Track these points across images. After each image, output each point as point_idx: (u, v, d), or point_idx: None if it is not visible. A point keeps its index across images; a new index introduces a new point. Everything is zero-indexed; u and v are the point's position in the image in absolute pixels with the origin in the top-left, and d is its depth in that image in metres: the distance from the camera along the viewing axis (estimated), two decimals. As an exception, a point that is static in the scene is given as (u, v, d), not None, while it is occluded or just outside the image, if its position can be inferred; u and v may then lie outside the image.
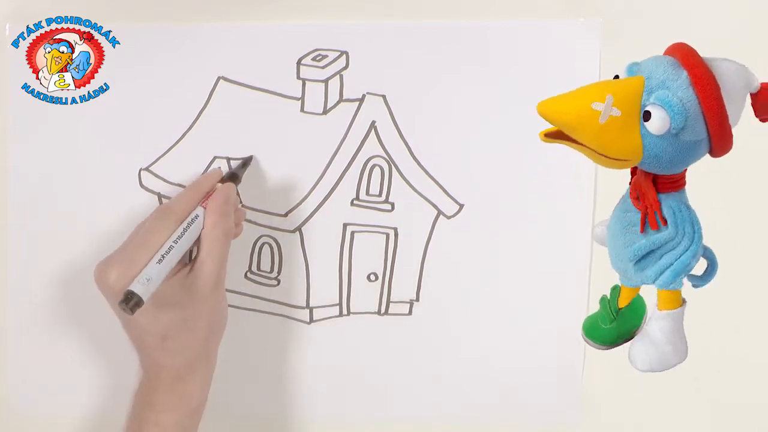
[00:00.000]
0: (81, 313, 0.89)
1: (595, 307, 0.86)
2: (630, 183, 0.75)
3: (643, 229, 0.73)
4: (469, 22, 0.85)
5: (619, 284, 0.82)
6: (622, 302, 0.82)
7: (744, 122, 0.71)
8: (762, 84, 0.71)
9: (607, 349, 0.84)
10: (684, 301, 0.76)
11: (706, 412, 0.86)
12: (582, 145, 0.68)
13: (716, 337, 0.77)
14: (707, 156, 0.71)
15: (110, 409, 0.90)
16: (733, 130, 0.70)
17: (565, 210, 0.85)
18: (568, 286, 0.87)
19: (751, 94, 0.71)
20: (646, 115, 0.67)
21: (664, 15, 0.84)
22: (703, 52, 0.70)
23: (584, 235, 0.85)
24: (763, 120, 0.72)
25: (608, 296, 0.82)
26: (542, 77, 0.84)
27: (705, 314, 0.77)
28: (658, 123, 0.67)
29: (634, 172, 0.74)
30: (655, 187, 0.72)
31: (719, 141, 0.69)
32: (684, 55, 0.69)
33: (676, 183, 0.73)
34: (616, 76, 0.71)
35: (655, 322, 0.75)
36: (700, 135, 0.69)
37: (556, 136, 0.68)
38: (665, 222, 0.73)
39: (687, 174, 0.73)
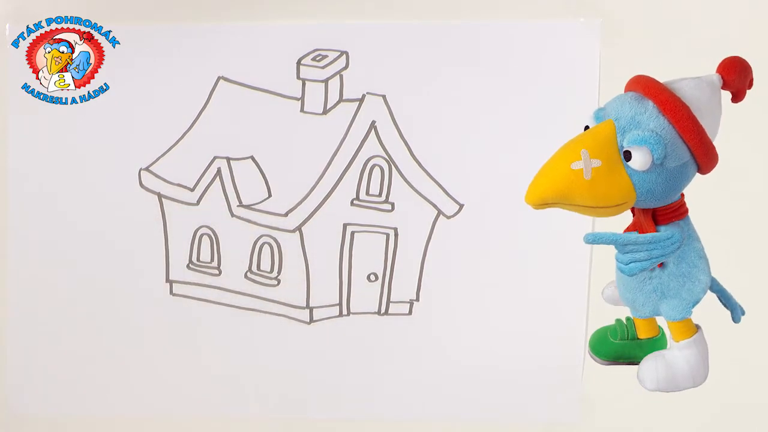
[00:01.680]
0: (81, 313, 0.89)
1: (594, 307, 0.87)
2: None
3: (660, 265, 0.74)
4: (470, 23, 0.85)
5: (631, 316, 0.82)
6: (642, 334, 0.82)
7: (724, 134, 0.71)
8: (718, 69, 0.71)
9: (609, 364, 0.84)
10: (698, 328, 0.76)
11: (706, 411, 0.86)
12: (577, 205, 0.68)
13: (716, 337, 0.77)
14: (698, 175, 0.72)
15: (110, 409, 0.90)
16: (716, 143, 0.70)
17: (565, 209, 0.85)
18: (568, 286, 0.87)
19: (723, 88, 0.71)
20: (627, 155, 0.68)
21: (663, 15, 0.84)
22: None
23: (584, 234, 0.85)
24: (736, 101, 0.72)
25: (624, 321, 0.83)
26: (542, 77, 0.84)
27: (704, 314, 0.77)
28: (640, 159, 0.67)
29: (633, 211, 0.74)
30: (656, 221, 0.72)
31: (704, 157, 0.69)
32: (644, 85, 0.69)
33: (677, 212, 0.73)
34: (586, 127, 0.71)
35: (679, 352, 0.75)
36: (684, 157, 0.69)
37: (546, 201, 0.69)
38: (660, 263, 0.73)
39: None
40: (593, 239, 0.72)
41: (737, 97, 0.72)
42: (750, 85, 0.72)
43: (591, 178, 0.67)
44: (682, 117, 0.67)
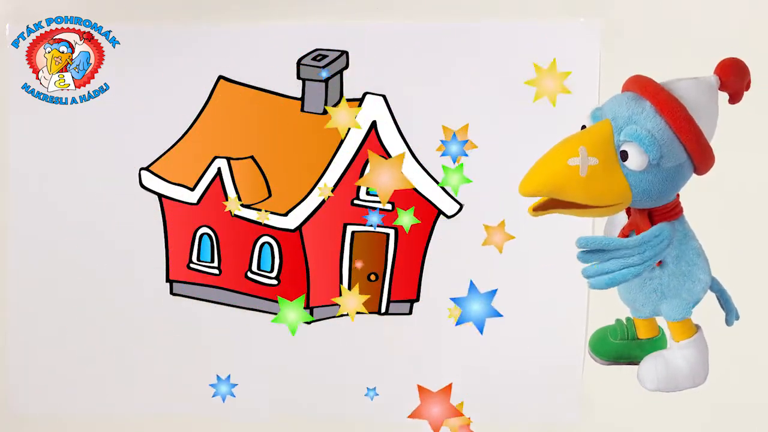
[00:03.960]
0: (81, 313, 0.89)
1: (594, 307, 0.87)
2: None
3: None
4: (470, 23, 0.85)
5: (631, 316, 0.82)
6: (642, 334, 0.82)
7: (722, 135, 0.71)
8: (716, 71, 0.71)
9: (609, 364, 0.84)
10: (698, 327, 0.76)
11: (706, 411, 0.86)
12: (572, 206, 0.68)
13: (716, 337, 0.77)
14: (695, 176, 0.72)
15: (110, 409, 0.90)
16: (714, 144, 0.70)
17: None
18: (568, 286, 0.87)
19: (720, 89, 0.71)
20: (624, 155, 0.68)
21: (664, 15, 0.84)
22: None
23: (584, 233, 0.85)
24: (733, 102, 0.72)
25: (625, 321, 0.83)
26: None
27: (704, 315, 0.77)
28: (636, 159, 0.67)
29: (629, 212, 0.74)
30: (651, 221, 0.72)
31: (700, 158, 0.69)
32: (642, 86, 0.69)
33: (672, 212, 0.73)
34: (583, 126, 0.71)
35: (679, 351, 0.75)
36: (681, 158, 0.69)
37: (544, 207, 0.69)
38: (658, 261, 0.73)
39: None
40: (585, 242, 0.71)
41: (734, 98, 0.72)
42: (747, 87, 0.72)
43: (587, 175, 0.67)
44: (678, 117, 0.67)
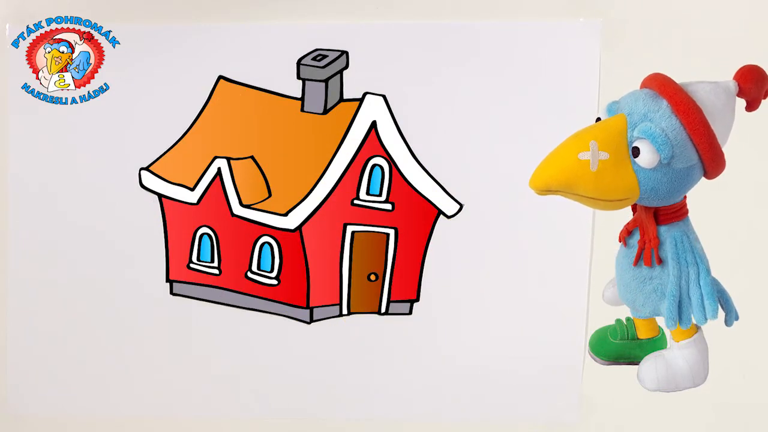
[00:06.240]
0: (81, 313, 0.89)
1: (594, 307, 0.87)
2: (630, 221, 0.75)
3: (636, 263, 0.74)
4: (470, 23, 0.85)
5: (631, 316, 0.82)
6: (642, 334, 0.82)
7: (734, 142, 0.71)
8: (735, 77, 0.71)
9: (609, 364, 0.84)
10: (698, 328, 0.76)
11: (707, 411, 0.86)
12: (579, 195, 0.68)
13: (716, 337, 0.77)
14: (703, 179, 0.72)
15: (110, 409, 0.90)
16: (725, 149, 0.70)
17: (565, 209, 0.85)
18: (568, 285, 0.87)
19: (738, 95, 0.71)
20: (635, 151, 0.68)
21: (664, 16, 0.85)
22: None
23: (584, 233, 0.86)
24: (750, 109, 0.72)
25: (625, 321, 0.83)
26: (542, 77, 0.85)
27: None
28: (647, 157, 0.67)
29: (634, 209, 0.74)
30: (656, 220, 0.73)
31: (712, 162, 0.69)
32: (660, 84, 0.69)
33: (678, 212, 0.73)
34: (598, 119, 0.71)
35: (679, 351, 0.75)
36: (692, 160, 0.69)
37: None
38: (660, 261, 0.73)
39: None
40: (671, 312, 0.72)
41: (752, 105, 0.72)
42: (766, 95, 0.72)
43: (597, 170, 0.66)
44: (693, 120, 0.67)
